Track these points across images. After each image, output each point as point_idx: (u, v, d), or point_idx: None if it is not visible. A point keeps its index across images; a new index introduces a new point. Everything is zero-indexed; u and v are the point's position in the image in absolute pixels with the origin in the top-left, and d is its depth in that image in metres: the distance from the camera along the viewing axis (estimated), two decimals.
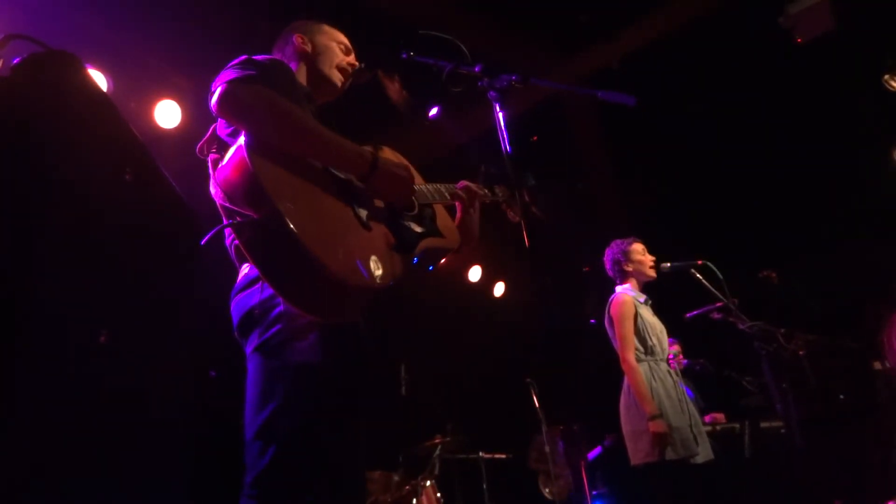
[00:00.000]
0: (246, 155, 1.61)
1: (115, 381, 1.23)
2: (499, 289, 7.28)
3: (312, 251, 1.55)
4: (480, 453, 5.36)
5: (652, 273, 4.17)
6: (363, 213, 1.81)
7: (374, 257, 1.72)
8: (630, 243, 4.21)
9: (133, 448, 1.24)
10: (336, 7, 2.57)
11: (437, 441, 4.98)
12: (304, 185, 1.71)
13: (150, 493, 1.27)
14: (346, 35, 2.30)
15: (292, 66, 2.17)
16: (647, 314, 4.08)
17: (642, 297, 4.12)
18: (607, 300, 4.15)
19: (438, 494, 4.64)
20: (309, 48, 2.18)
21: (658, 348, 3.98)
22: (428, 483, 4.60)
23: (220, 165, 1.70)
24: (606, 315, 4.08)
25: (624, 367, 3.88)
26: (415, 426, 5.30)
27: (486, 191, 2.46)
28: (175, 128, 4.11)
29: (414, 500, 4.43)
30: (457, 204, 2.32)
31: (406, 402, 5.12)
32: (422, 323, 6.01)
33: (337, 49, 2.22)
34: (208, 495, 2.40)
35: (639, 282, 4.17)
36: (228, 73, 1.75)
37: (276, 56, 2.21)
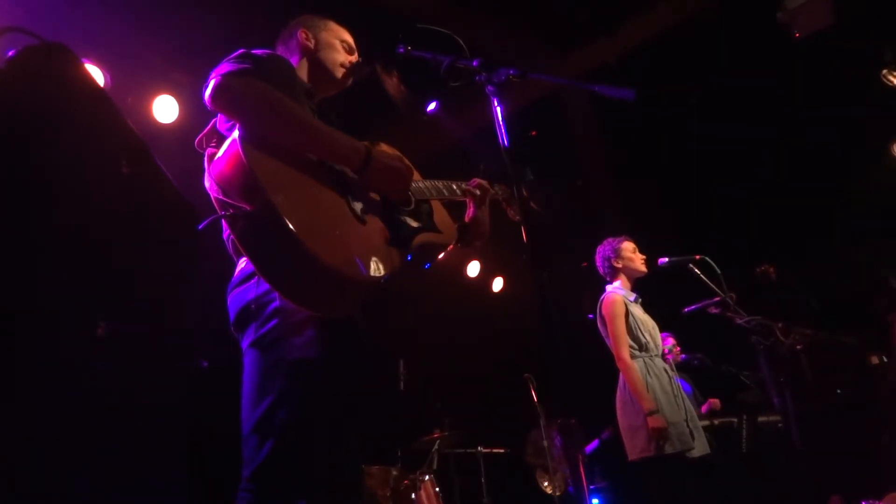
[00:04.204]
0: (240, 147, 1.61)
1: (113, 374, 1.23)
2: (497, 284, 7.29)
3: (305, 243, 1.55)
4: (479, 448, 5.37)
5: (643, 269, 4.19)
6: (358, 206, 1.81)
7: (367, 251, 1.72)
8: (621, 241, 4.24)
9: (132, 442, 1.24)
10: (334, 2, 2.56)
11: (435, 436, 4.99)
12: (297, 177, 1.70)
13: (149, 487, 1.27)
14: (351, 33, 2.30)
15: (294, 59, 2.18)
16: (638, 311, 4.10)
17: (632, 296, 4.14)
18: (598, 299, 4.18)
19: (437, 489, 4.65)
20: (312, 44, 2.18)
21: (652, 344, 4.00)
22: (426, 478, 4.61)
23: (214, 158, 1.70)
24: (598, 315, 4.11)
25: (619, 365, 3.89)
26: (413, 421, 5.30)
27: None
28: (173, 123, 4.11)
29: (412, 495, 4.44)
30: (468, 200, 2.33)
31: (404, 397, 5.12)
32: (420, 318, 6.01)
33: (340, 47, 2.22)
34: (205, 489, 2.41)
35: (629, 279, 4.19)
36: (223, 67, 1.75)
37: (279, 49, 2.22)
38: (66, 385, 1.14)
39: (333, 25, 2.26)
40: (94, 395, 1.18)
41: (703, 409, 5.39)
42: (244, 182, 1.61)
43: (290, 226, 1.54)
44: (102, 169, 1.28)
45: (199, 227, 1.55)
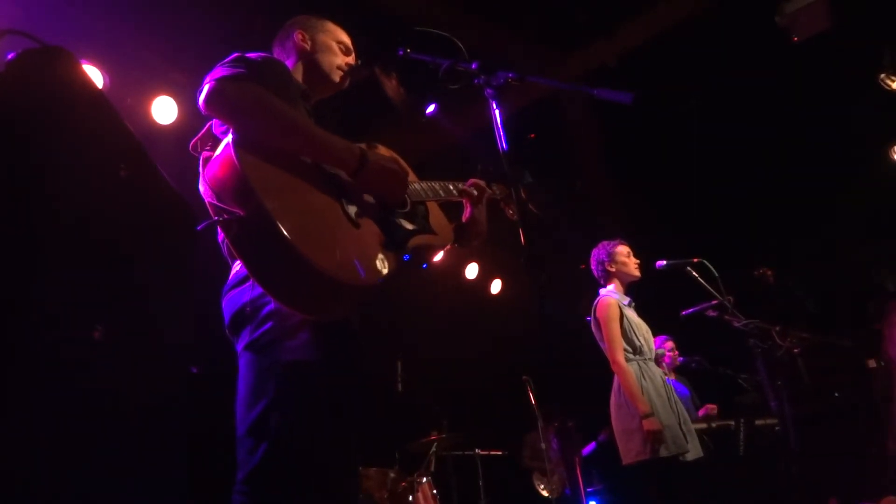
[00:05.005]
0: (233, 152, 1.61)
1: (113, 374, 1.23)
2: (495, 286, 7.29)
3: (298, 248, 1.55)
4: (476, 450, 5.37)
5: (636, 274, 4.19)
6: (352, 209, 1.80)
7: (362, 255, 1.72)
8: (615, 245, 4.23)
9: (132, 442, 1.24)
10: (333, 3, 2.56)
11: (433, 438, 5.00)
12: (291, 182, 1.70)
13: (149, 487, 1.27)
14: (349, 34, 2.29)
15: (291, 61, 2.17)
16: (632, 315, 4.10)
17: (626, 300, 4.14)
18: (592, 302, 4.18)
19: (434, 491, 4.65)
20: (308, 45, 2.18)
21: (646, 347, 4.01)
22: (424, 480, 4.62)
23: (208, 162, 1.70)
24: (592, 318, 4.11)
25: (614, 368, 3.90)
26: (411, 423, 5.30)
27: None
28: (171, 124, 4.10)
29: (410, 497, 4.44)
30: (464, 201, 2.33)
31: (402, 399, 5.13)
32: (418, 320, 6.01)
33: (337, 49, 2.21)
34: (204, 490, 2.41)
35: (623, 283, 4.19)
36: (218, 71, 1.75)
37: (275, 49, 2.21)
38: (66, 385, 1.14)
39: (331, 26, 2.25)
40: (93, 395, 1.18)
41: (700, 413, 5.40)
42: (237, 187, 1.61)
43: (284, 231, 1.54)
44: (101, 171, 1.28)
45: (198, 227, 1.55)
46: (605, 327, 3.98)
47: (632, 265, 4.20)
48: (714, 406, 5.36)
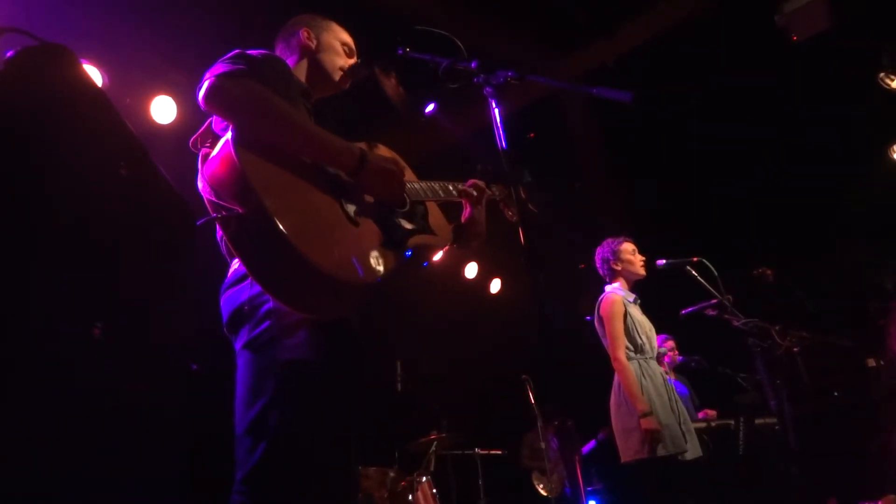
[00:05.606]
0: (232, 149, 1.60)
1: (113, 374, 1.23)
2: (495, 286, 7.29)
3: (297, 246, 1.54)
4: (476, 449, 5.37)
5: (641, 272, 4.18)
6: (351, 208, 1.80)
7: (360, 253, 1.72)
8: (620, 242, 4.22)
9: (131, 442, 1.24)
10: (333, 3, 2.56)
11: (432, 437, 5.00)
12: (290, 180, 1.70)
13: (148, 487, 1.27)
14: (352, 35, 2.30)
15: (294, 58, 2.18)
16: (637, 313, 4.09)
17: (631, 297, 4.14)
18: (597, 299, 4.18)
19: (434, 490, 4.66)
20: (313, 44, 2.18)
21: (648, 346, 4.00)
22: (423, 479, 4.62)
23: (207, 160, 1.69)
24: (596, 314, 4.10)
25: (615, 365, 3.89)
26: (411, 422, 5.30)
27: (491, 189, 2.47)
28: (170, 124, 4.10)
29: (409, 497, 4.44)
30: (463, 201, 2.33)
31: (402, 398, 5.13)
32: (418, 320, 6.01)
33: (340, 49, 2.22)
34: (204, 489, 2.41)
35: (628, 281, 4.18)
36: (218, 67, 1.74)
37: (279, 46, 2.22)
38: (66, 385, 1.14)
39: (335, 27, 2.26)
40: (93, 395, 1.18)
41: (700, 416, 5.40)
42: (236, 184, 1.60)
43: (283, 229, 1.54)
44: (101, 170, 1.28)
45: (199, 223, 1.55)
46: (608, 324, 3.97)
47: (637, 263, 4.19)
48: (714, 412, 5.36)
